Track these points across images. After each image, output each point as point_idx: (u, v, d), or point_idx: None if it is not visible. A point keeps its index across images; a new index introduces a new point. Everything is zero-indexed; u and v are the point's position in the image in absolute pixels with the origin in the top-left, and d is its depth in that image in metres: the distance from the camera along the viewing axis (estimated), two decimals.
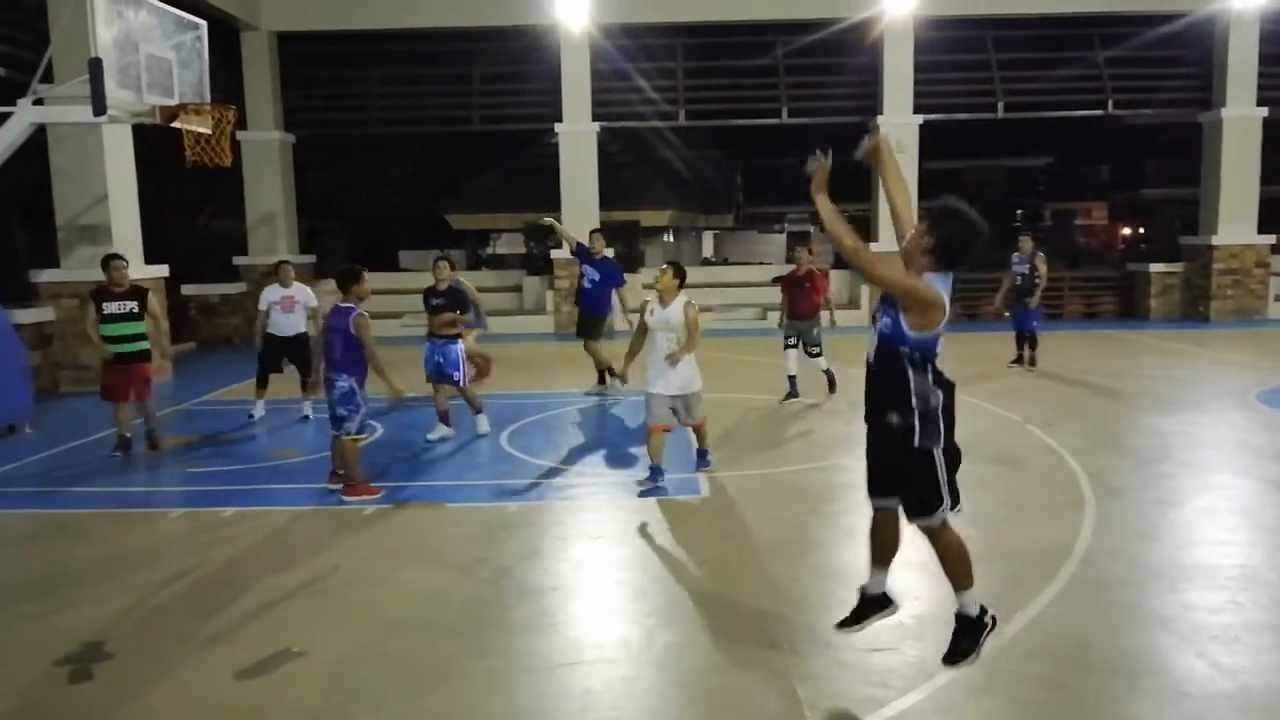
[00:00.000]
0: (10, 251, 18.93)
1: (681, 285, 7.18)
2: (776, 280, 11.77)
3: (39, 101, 9.53)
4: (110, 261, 8.43)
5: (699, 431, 7.52)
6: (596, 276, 11.19)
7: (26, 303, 12.09)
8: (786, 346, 10.25)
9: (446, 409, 8.86)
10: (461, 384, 8.75)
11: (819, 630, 4.61)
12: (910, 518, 4.00)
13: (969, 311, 18.81)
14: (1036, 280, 12.20)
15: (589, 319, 11.17)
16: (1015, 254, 12.49)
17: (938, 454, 3.84)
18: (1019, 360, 12.50)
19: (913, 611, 4.77)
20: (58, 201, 12.09)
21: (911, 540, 6.04)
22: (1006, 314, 12.68)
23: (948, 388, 3.86)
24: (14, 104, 9.30)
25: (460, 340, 8.74)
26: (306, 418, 9.79)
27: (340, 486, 7.01)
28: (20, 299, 12.28)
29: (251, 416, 9.80)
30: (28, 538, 6.43)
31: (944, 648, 4.10)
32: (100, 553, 6.02)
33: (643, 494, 6.94)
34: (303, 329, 9.82)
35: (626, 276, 12.10)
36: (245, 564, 5.77)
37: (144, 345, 8.48)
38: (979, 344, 14.07)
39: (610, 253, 12.10)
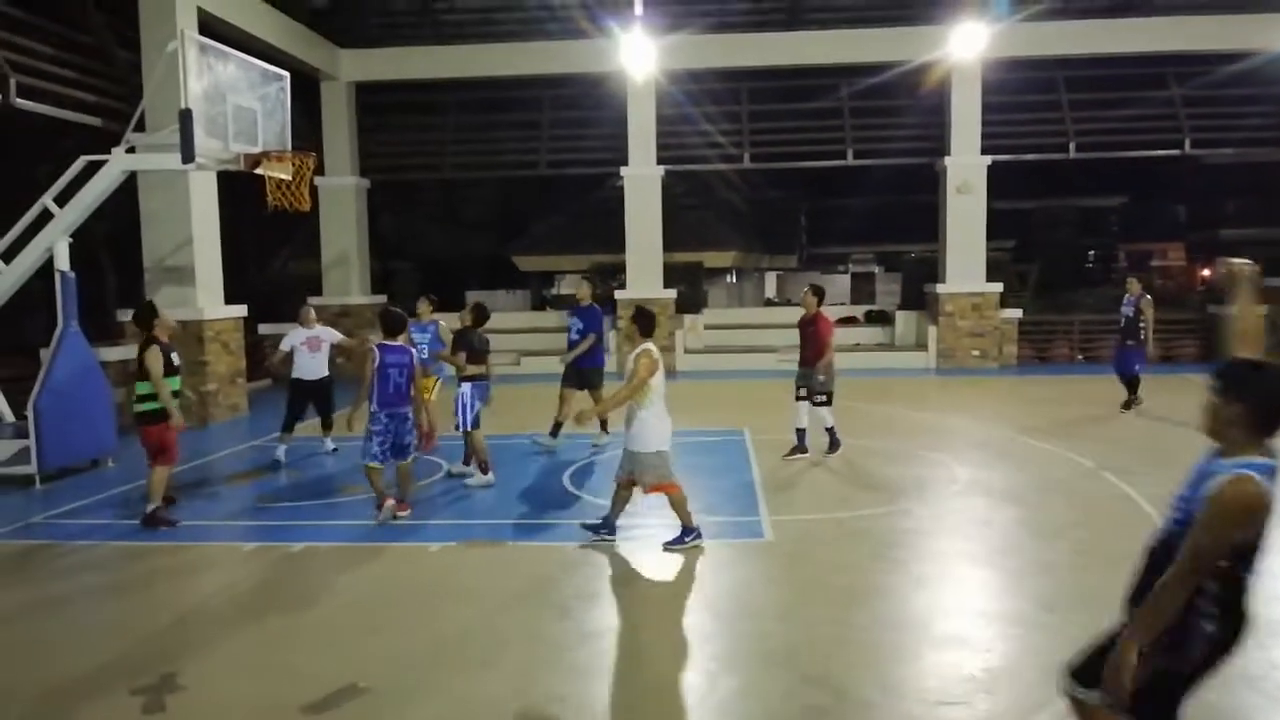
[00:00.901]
0: (99, 291, 19.77)
1: (645, 331, 6.56)
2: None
3: (132, 150, 10.00)
4: (157, 307, 7.82)
5: (670, 502, 6.59)
6: (581, 326, 10.35)
7: (113, 341, 12.60)
8: (798, 398, 9.54)
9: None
10: (461, 427, 8.60)
11: (887, 680, 4.51)
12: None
13: (1041, 354, 18.42)
14: (1141, 324, 11.97)
15: (578, 370, 10.40)
16: (1126, 296, 12.39)
17: (1173, 680, 2.96)
18: (1136, 402, 12.19)
19: (984, 664, 4.64)
20: (145, 244, 12.64)
21: (980, 592, 5.91)
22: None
23: (1236, 627, 2.93)
24: (109, 152, 9.77)
25: (468, 383, 8.58)
26: (335, 450, 10.14)
27: (409, 510, 7.61)
28: (108, 337, 12.81)
29: (279, 461, 9.73)
30: (106, 569, 6.63)
31: (1015, 702, 3.98)
32: (174, 584, 6.20)
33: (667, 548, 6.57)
34: (326, 372, 10.00)
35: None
36: (313, 599, 5.87)
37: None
38: (1066, 386, 13.76)
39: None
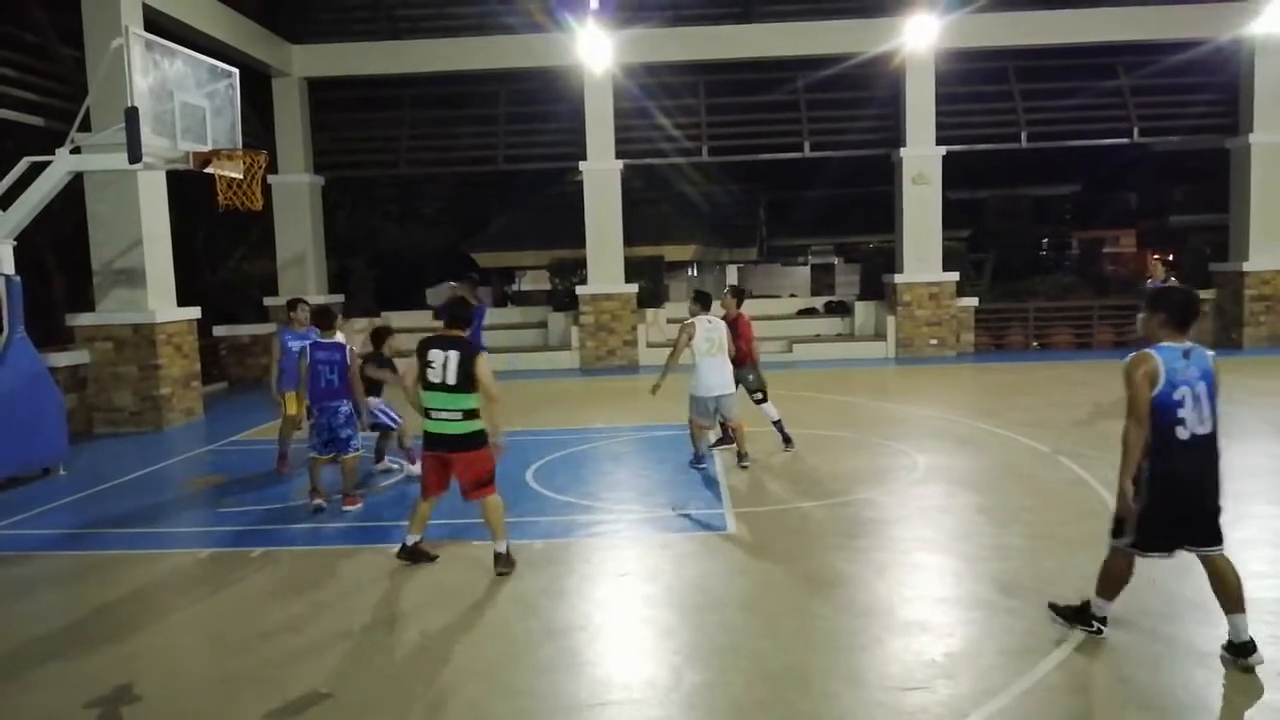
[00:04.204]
0: (47, 296, 19.33)
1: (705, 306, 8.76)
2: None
3: (77, 150, 9.77)
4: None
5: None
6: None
7: (62, 346, 12.32)
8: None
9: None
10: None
11: (850, 668, 4.55)
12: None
13: (998, 342, 18.69)
14: None
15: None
16: (1149, 279, 12.83)
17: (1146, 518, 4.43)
18: None
19: (945, 649, 4.71)
20: (94, 246, 12.35)
21: (940, 578, 5.98)
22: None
23: (1170, 473, 4.38)
24: (53, 153, 9.54)
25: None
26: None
27: (358, 506, 7.81)
28: (56, 342, 12.52)
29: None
30: (59, 579, 6.50)
31: (976, 686, 4.04)
32: (130, 594, 6.08)
33: None
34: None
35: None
36: (272, 604, 5.79)
37: None
38: (1023, 373, 13.86)
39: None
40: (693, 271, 31.14)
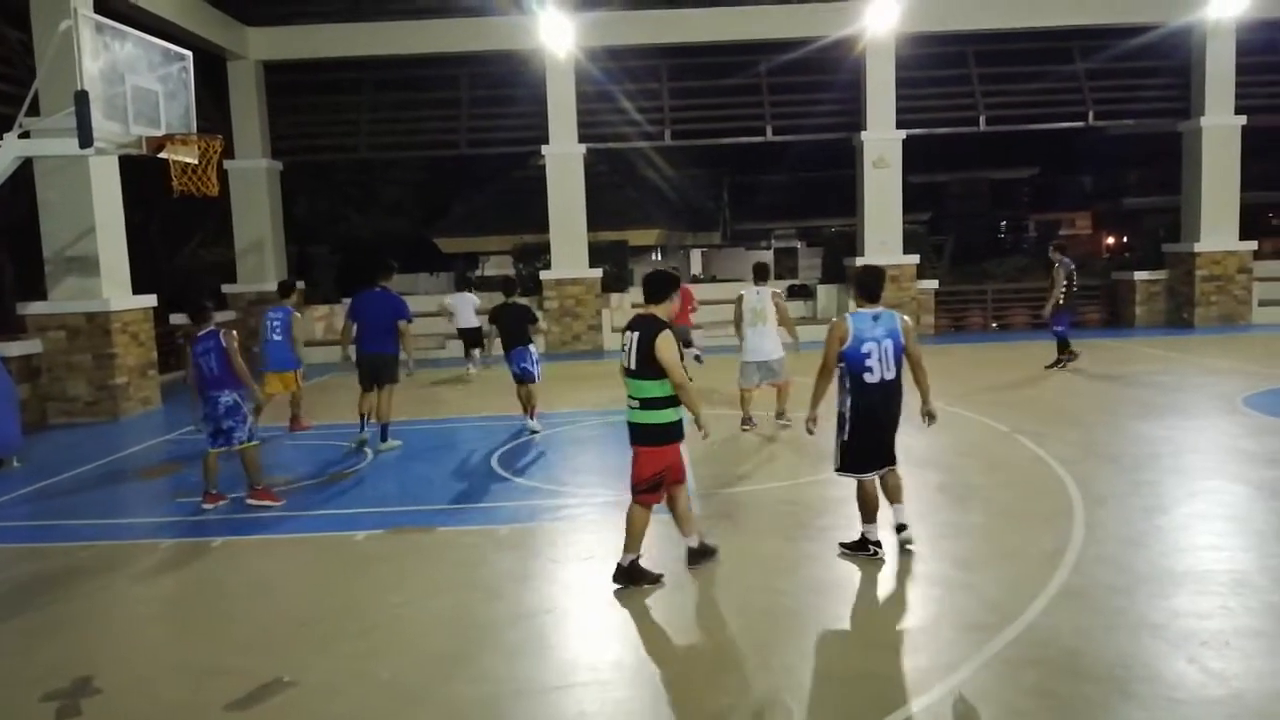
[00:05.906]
0: None
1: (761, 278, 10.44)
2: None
3: (25, 135, 9.53)
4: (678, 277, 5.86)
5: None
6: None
7: (14, 335, 12.06)
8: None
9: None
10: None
11: (811, 644, 4.62)
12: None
13: (957, 323, 18.93)
14: (1060, 290, 12.83)
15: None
16: (1056, 265, 13.20)
17: (845, 446, 5.85)
18: (1069, 360, 13.03)
19: (905, 624, 4.79)
20: (45, 234, 12.08)
21: (900, 554, 6.07)
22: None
23: (858, 409, 5.72)
24: (0, 138, 9.30)
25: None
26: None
27: (214, 505, 7.51)
28: (8, 332, 12.25)
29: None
30: (15, 572, 6.38)
31: (936, 660, 4.11)
32: (89, 586, 5.99)
33: None
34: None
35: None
36: (234, 594, 5.75)
37: None
38: (981, 353, 14.07)
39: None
40: (656, 256, 31.17)
